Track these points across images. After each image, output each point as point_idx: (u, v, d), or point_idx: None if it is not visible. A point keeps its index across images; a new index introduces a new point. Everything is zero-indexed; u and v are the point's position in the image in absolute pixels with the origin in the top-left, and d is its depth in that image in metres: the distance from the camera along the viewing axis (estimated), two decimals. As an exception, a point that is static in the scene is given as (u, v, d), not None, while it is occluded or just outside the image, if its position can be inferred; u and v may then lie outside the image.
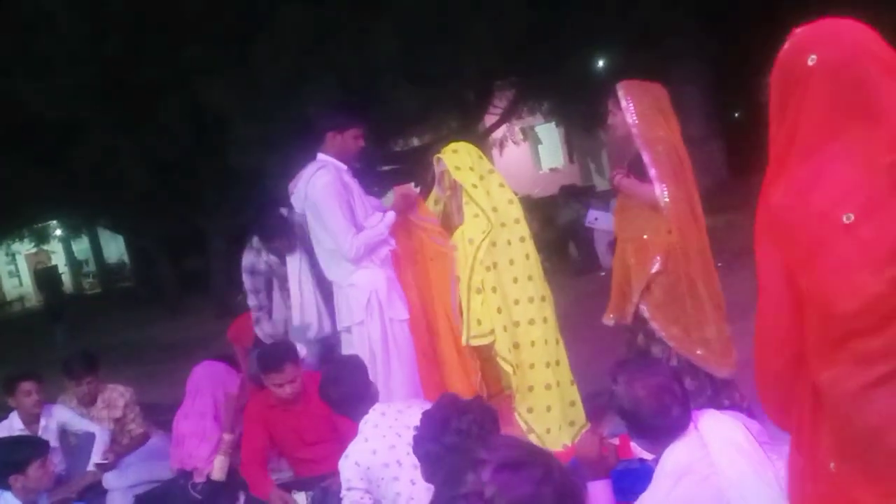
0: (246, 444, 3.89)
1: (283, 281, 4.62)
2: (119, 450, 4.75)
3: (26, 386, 4.61)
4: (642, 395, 2.26)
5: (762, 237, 1.63)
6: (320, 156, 4.03)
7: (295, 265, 4.44)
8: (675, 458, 2.21)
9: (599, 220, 3.93)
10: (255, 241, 4.79)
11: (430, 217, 4.18)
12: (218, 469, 3.91)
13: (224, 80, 9.61)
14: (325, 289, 4.30)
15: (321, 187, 3.89)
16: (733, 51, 13.67)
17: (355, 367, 3.26)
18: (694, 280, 3.65)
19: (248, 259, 4.80)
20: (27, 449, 3.43)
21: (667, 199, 3.59)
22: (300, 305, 4.41)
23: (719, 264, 8.34)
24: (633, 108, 3.67)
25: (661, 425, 2.24)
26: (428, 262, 4.13)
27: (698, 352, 3.62)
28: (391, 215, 3.95)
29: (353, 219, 3.91)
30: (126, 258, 25.01)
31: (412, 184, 4.22)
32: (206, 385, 4.13)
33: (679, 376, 2.41)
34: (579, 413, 3.98)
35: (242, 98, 9.52)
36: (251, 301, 4.85)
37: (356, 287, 3.92)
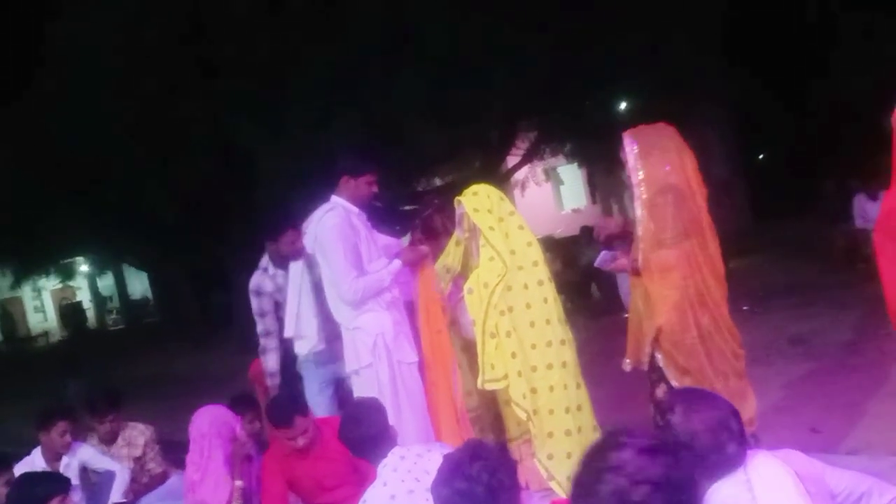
0: (266, 495, 3.85)
1: None
2: (138, 489, 4.76)
3: (62, 426, 4.63)
4: (699, 428, 2.19)
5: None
6: (333, 198, 4.12)
7: (297, 272, 4.46)
8: (720, 495, 2.15)
9: (611, 260, 3.90)
10: (265, 260, 4.83)
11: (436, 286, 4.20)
12: None
13: (253, 116, 9.76)
14: (324, 303, 4.28)
15: (328, 229, 3.98)
16: (757, 94, 13.69)
17: (375, 409, 3.24)
18: (705, 329, 3.58)
19: (254, 280, 4.84)
20: (49, 485, 3.42)
21: (639, 265, 3.63)
22: (296, 315, 4.44)
23: (745, 308, 8.35)
24: (637, 156, 3.66)
25: (715, 462, 2.18)
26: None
27: None
28: (397, 263, 3.97)
29: (359, 262, 3.94)
30: (150, 294, 25.20)
31: (425, 248, 4.21)
32: (212, 431, 4.09)
33: (737, 413, 2.36)
34: (601, 459, 3.91)
35: (271, 134, 9.66)
36: (258, 327, 4.86)
37: (362, 330, 3.95)
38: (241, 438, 4.08)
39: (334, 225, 3.97)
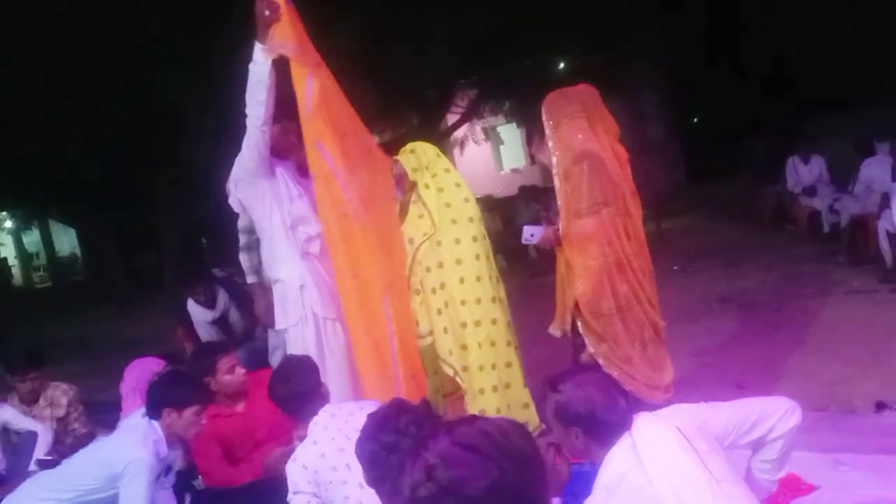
0: (201, 459, 3.74)
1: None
2: (63, 449, 4.61)
3: None
4: (591, 392, 2.26)
5: None
6: None
7: None
8: (611, 469, 2.19)
9: (535, 235, 3.90)
10: None
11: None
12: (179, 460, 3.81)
13: (179, 71, 9.42)
14: None
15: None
16: (691, 55, 13.84)
17: (306, 366, 3.19)
18: (623, 298, 3.62)
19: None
20: (190, 391, 3.32)
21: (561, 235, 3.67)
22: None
23: (675, 268, 8.53)
24: (550, 127, 3.67)
25: (614, 419, 2.24)
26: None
27: (618, 371, 3.56)
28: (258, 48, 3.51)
29: (270, 196, 3.74)
30: (78, 252, 24.45)
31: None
32: (140, 386, 4.05)
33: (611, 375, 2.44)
34: (532, 416, 3.96)
35: (197, 90, 9.35)
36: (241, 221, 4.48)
37: (284, 283, 3.79)
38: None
39: None
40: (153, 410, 3.26)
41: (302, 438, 3.00)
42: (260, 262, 4.32)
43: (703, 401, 2.47)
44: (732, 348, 5.56)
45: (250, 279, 4.49)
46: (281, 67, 3.59)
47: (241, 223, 4.44)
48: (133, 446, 3.15)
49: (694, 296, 7.23)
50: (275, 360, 4.34)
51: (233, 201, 3.98)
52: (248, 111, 3.58)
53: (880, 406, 4.10)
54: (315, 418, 2.98)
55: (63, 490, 3.19)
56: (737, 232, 10.38)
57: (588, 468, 2.77)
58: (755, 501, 2.17)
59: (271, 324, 4.07)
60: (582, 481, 2.57)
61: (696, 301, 7.04)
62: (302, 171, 3.87)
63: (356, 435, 2.31)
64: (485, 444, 1.27)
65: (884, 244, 6.90)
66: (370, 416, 2.32)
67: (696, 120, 17.78)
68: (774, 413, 2.45)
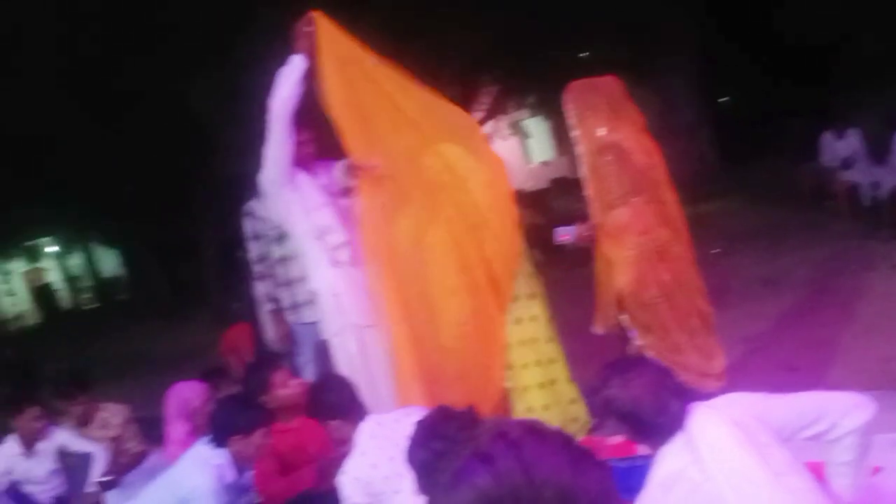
0: (257, 476, 3.73)
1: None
2: (119, 469, 4.71)
3: (33, 411, 4.57)
4: (640, 393, 2.20)
5: None
6: None
7: None
8: (666, 466, 2.14)
9: (568, 235, 3.86)
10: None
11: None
12: None
13: (205, 84, 9.53)
14: None
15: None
16: (720, 35, 13.62)
17: (340, 382, 3.22)
18: (667, 286, 3.57)
19: (247, 205, 4.58)
20: (254, 415, 3.35)
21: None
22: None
23: (715, 251, 8.40)
24: (574, 119, 3.64)
25: (662, 422, 2.19)
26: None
27: (668, 361, 3.51)
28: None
29: (295, 207, 3.78)
30: (121, 271, 24.88)
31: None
32: (172, 412, 4.16)
33: (668, 370, 2.35)
34: (581, 410, 3.93)
35: (224, 102, 9.45)
36: (253, 253, 4.59)
37: (319, 294, 3.82)
38: (199, 412, 4.08)
39: None
40: (220, 438, 3.26)
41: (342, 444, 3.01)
42: (275, 289, 4.40)
43: (756, 387, 2.41)
44: (780, 331, 5.46)
45: (267, 307, 4.54)
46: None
47: (253, 253, 4.51)
48: (196, 474, 3.18)
49: (736, 279, 7.12)
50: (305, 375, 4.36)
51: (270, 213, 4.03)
52: (273, 108, 3.60)
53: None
54: (360, 428, 2.98)
55: None
56: (775, 212, 10.20)
57: (641, 462, 2.74)
58: (818, 493, 2.11)
59: (286, 351, 4.10)
60: (636, 476, 2.55)
61: (739, 285, 6.93)
62: (324, 180, 3.91)
63: (404, 442, 2.31)
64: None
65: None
66: (418, 423, 2.31)
67: (726, 99, 17.52)
68: (837, 408, 2.28)
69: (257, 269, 4.52)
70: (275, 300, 4.46)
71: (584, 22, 11.09)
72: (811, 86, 13.44)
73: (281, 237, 4.36)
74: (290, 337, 4.46)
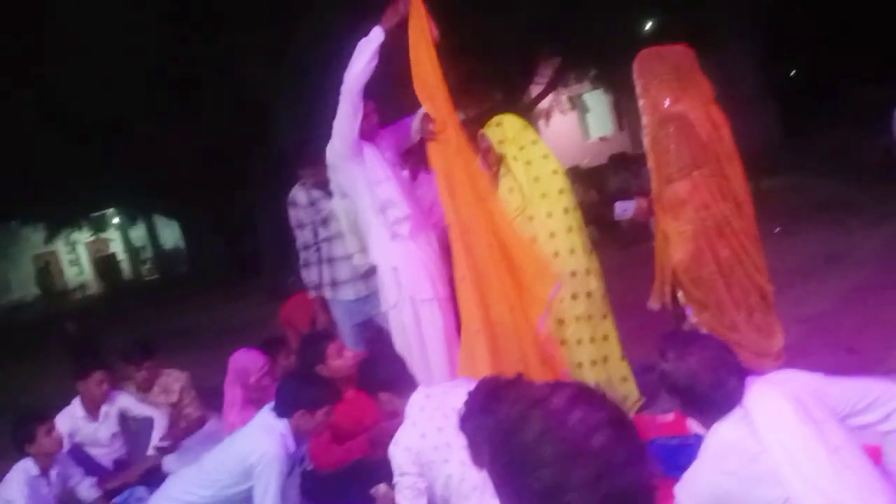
0: (312, 444, 3.80)
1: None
2: (177, 433, 4.85)
3: (99, 375, 4.74)
4: (697, 368, 2.17)
5: None
6: None
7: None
8: (721, 435, 2.11)
9: (628, 210, 3.80)
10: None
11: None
12: None
13: (263, 62, 9.65)
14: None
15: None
16: (785, 11, 13.18)
17: (390, 356, 3.26)
18: (725, 262, 3.49)
19: (291, 192, 4.64)
20: (321, 392, 3.41)
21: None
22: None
23: (776, 230, 8.20)
24: (641, 87, 3.56)
25: (718, 398, 2.16)
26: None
27: (730, 338, 3.38)
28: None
29: (361, 179, 3.79)
30: (181, 243, 25.53)
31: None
32: (235, 376, 4.33)
33: (727, 346, 2.31)
34: (632, 388, 3.90)
35: (282, 79, 9.56)
36: (297, 240, 4.68)
37: (378, 267, 3.86)
38: (256, 381, 4.26)
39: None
40: (284, 410, 3.32)
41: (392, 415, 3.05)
42: (320, 278, 4.49)
43: (813, 368, 2.35)
44: (842, 311, 5.30)
45: (311, 294, 4.63)
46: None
47: (299, 241, 4.60)
48: (264, 440, 3.25)
49: (798, 257, 6.93)
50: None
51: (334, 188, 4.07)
52: (348, 80, 3.62)
53: None
54: (411, 400, 3.03)
55: (204, 486, 3.33)
56: (840, 187, 9.89)
57: (693, 440, 2.70)
58: (874, 470, 2.06)
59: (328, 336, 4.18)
60: (686, 454, 2.51)
61: (802, 262, 6.75)
62: (389, 152, 3.92)
63: (453, 413, 2.32)
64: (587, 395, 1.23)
65: None
66: (476, 390, 2.32)
67: (792, 73, 17.00)
68: (893, 399, 2.20)
69: (303, 256, 4.61)
70: (317, 287, 4.56)
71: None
72: (881, 53, 12.93)
73: (325, 220, 4.45)
74: (331, 320, 4.56)
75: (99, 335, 9.35)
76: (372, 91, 3.71)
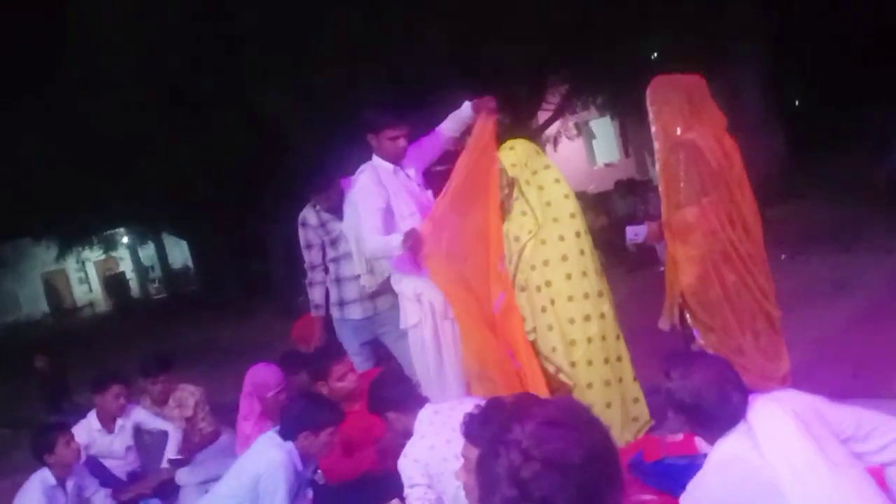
0: (325, 459, 3.85)
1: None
2: (191, 447, 4.91)
3: (116, 389, 4.82)
4: (701, 386, 2.24)
5: None
6: (374, 158, 4.08)
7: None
8: (725, 449, 2.18)
9: (640, 234, 3.88)
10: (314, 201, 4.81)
11: None
12: None
13: (278, 87, 9.78)
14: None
15: (356, 190, 4.03)
16: (792, 34, 13.25)
17: (397, 377, 3.35)
18: (731, 287, 3.55)
19: (302, 213, 4.79)
20: (326, 414, 3.48)
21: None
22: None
23: (783, 257, 8.23)
24: (653, 113, 3.65)
25: (723, 414, 2.22)
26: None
27: (736, 361, 3.48)
28: (398, 240, 3.72)
29: (387, 219, 3.90)
30: (190, 263, 25.62)
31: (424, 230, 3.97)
32: (248, 391, 4.40)
33: (729, 364, 2.38)
34: (642, 410, 3.95)
35: (297, 104, 9.68)
36: (305, 260, 4.83)
37: (403, 295, 3.99)
38: (272, 396, 4.31)
39: (361, 185, 4.00)
40: (289, 432, 3.39)
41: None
42: (324, 298, 4.71)
43: (819, 390, 2.42)
44: (849, 336, 5.34)
45: (313, 313, 4.82)
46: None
47: (307, 260, 4.78)
48: (271, 450, 3.34)
49: (806, 282, 6.97)
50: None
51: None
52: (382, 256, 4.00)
53: None
54: (419, 416, 3.11)
55: None
56: (849, 212, 9.90)
57: (701, 460, 2.75)
58: (874, 486, 2.11)
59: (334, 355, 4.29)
60: (694, 474, 2.56)
61: (809, 287, 6.78)
62: (413, 169, 4.06)
63: (461, 427, 2.38)
64: (567, 417, 1.29)
65: None
66: (481, 405, 2.39)
67: (799, 97, 17.05)
68: (892, 431, 2.25)
69: (309, 275, 4.79)
70: (318, 307, 4.76)
71: (651, 15, 10.96)
72: (890, 78, 12.96)
73: (335, 241, 4.65)
74: (327, 340, 4.76)
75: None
76: (403, 113, 3.85)
